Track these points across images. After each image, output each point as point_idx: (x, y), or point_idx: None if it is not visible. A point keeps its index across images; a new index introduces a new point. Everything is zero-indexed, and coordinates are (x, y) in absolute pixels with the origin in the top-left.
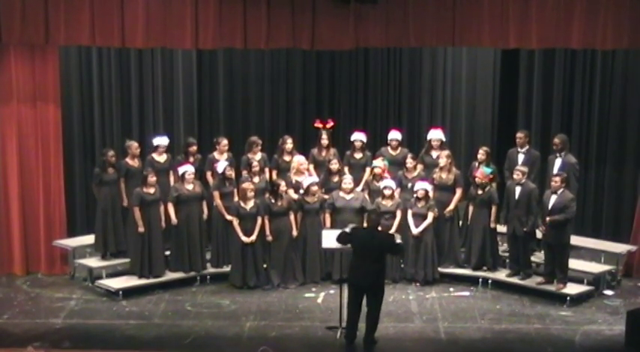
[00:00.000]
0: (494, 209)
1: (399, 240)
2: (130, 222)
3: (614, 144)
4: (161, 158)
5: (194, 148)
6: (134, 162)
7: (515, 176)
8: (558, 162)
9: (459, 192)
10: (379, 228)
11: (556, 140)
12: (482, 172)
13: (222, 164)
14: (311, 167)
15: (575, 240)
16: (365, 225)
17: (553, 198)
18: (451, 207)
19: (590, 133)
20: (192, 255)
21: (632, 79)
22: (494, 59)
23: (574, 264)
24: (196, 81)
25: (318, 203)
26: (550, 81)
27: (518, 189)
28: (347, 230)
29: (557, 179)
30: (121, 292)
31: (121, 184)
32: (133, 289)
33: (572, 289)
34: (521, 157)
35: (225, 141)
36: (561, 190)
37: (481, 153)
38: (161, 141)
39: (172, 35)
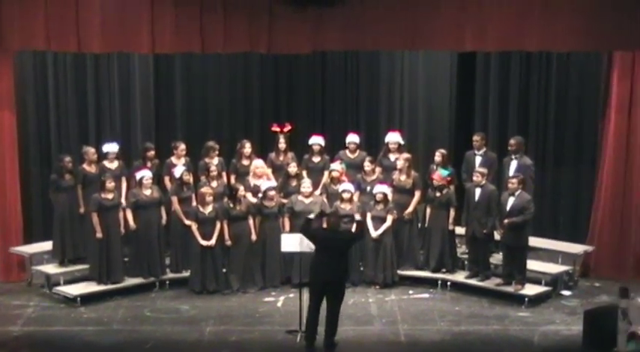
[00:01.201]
0: (452, 211)
1: (357, 217)
2: (88, 228)
3: (570, 146)
4: (112, 165)
5: (152, 153)
6: (91, 168)
7: (475, 178)
8: (514, 164)
9: (417, 194)
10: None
11: (512, 142)
12: (439, 174)
13: (179, 169)
14: (269, 171)
15: (533, 241)
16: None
17: (511, 200)
18: (410, 209)
19: (546, 135)
20: (151, 261)
21: (587, 81)
22: (451, 62)
23: (532, 264)
24: (153, 85)
25: (276, 207)
26: (506, 83)
27: (478, 191)
28: (310, 216)
29: (514, 181)
30: (79, 298)
31: (78, 190)
32: (91, 295)
33: (531, 290)
34: (478, 159)
35: (182, 146)
36: (518, 192)
37: (438, 156)
38: (110, 147)
39: (129, 40)
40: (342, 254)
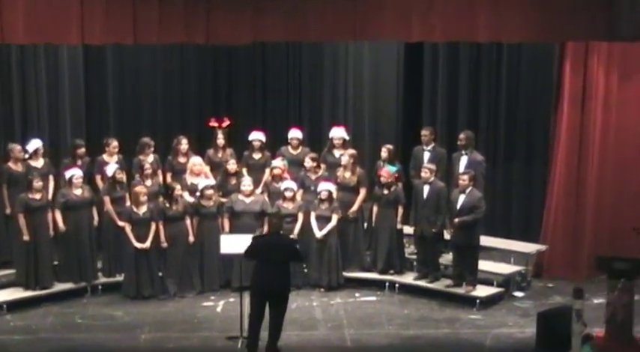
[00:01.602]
0: (400, 209)
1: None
2: (14, 231)
3: (522, 141)
4: (39, 163)
5: (82, 150)
6: (17, 167)
7: (423, 174)
8: (464, 159)
9: (362, 192)
10: (281, 232)
11: (461, 136)
12: (387, 171)
13: (112, 167)
14: (207, 169)
15: (485, 241)
16: (266, 229)
17: (461, 198)
18: (355, 207)
19: (497, 129)
20: (82, 265)
21: (539, 73)
22: (398, 54)
23: (483, 265)
24: (83, 79)
25: (215, 207)
26: (455, 76)
27: (426, 188)
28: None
29: (465, 177)
30: (5, 305)
31: (3, 190)
32: (18, 302)
33: (482, 291)
34: (426, 155)
35: (115, 143)
36: (469, 189)
37: (384, 151)
38: (36, 144)
39: (57, 30)
40: (283, 265)
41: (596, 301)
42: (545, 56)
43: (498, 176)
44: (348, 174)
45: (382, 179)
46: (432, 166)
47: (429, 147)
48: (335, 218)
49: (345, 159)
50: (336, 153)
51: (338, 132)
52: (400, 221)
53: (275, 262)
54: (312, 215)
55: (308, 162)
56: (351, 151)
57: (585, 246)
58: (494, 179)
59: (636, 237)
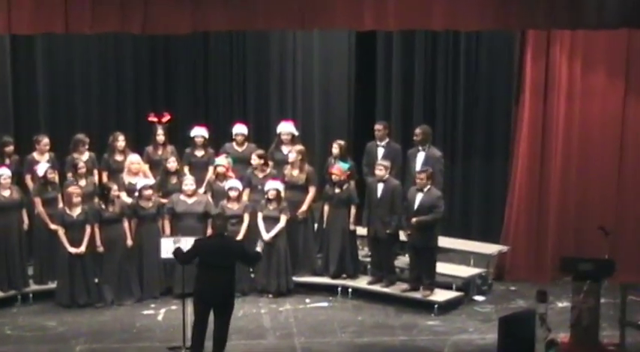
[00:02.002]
0: (353, 209)
1: (259, 249)
2: None
3: (481, 136)
4: None
5: (10, 148)
6: None
7: (377, 171)
8: (421, 156)
9: (312, 191)
10: (225, 234)
11: (417, 131)
12: (339, 168)
13: (43, 166)
14: (146, 167)
15: (443, 242)
16: (209, 232)
17: (419, 197)
18: (304, 207)
19: (455, 124)
20: (11, 271)
21: (498, 62)
22: (349, 43)
23: (442, 267)
24: (11, 71)
25: (155, 208)
26: (410, 67)
27: (380, 187)
28: (179, 245)
29: (423, 176)
30: None
31: None
32: None
33: (440, 296)
34: (380, 151)
35: (46, 140)
36: (427, 187)
37: (335, 147)
38: None
39: None
40: (229, 270)
41: (560, 304)
42: (505, 45)
43: (457, 173)
44: (296, 172)
45: (333, 177)
46: (387, 163)
47: (383, 143)
48: (283, 219)
49: (292, 156)
50: (284, 149)
51: (286, 128)
52: (353, 221)
53: (219, 266)
54: (259, 216)
55: (254, 160)
56: (299, 147)
57: (549, 246)
58: (453, 176)
59: (602, 237)
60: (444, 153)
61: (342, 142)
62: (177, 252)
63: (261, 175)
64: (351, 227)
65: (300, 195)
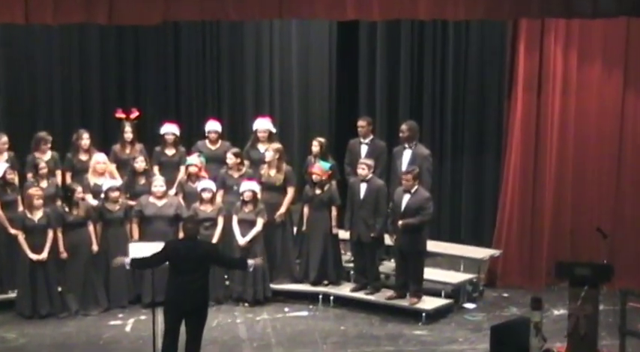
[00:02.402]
0: (335, 211)
1: (251, 267)
2: None
3: (471, 132)
4: None
5: None
6: None
7: (360, 171)
8: (407, 154)
9: (290, 191)
10: (198, 239)
11: (403, 127)
12: (319, 167)
13: (1, 166)
14: (113, 167)
15: (431, 246)
16: (181, 236)
17: (406, 198)
18: (282, 210)
19: (443, 120)
20: None
21: (490, 55)
22: (330, 34)
23: (430, 273)
24: None
25: (122, 211)
26: (396, 59)
27: (363, 187)
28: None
29: (409, 176)
30: None
31: None
32: None
33: (429, 303)
34: (364, 149)
35: (4, 139)
36: (415, 188)
37: (315, 145)
38: None
39: None
40: (202, 275)
41: (556, 312)
42: (496, 36)
43: (446, 172)
44: (273, 172)
45: (314, 177)
46: (370, 162)
47: (367, 140)
48: (260, 222)
49: (269, 155)
50: (261, 147)
51: (263, 124)
52: (335, 224)
53: (192, 271)
54: (234, 219)
55: (229, 159)
56: (277, 146)
57: (544, 250)
58: (441, 175)
59: (600, 239)
60: (431, 151)
61: (322, 140)
62: (136, 262)
63: (236, 175)
64: (333, 230)
65: (277, 197)
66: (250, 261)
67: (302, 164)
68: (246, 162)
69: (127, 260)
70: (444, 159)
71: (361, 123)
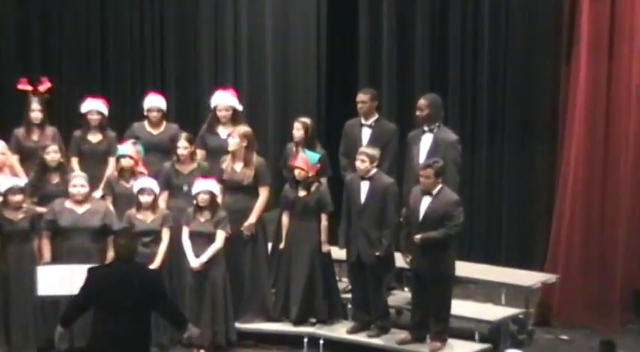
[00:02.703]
0: (325, 220)
1: (193, 330)
2: None
3: (515, 112)
4: None
5: None
6: None
7: (359, 164)
8: (427, 140)
9: (263, 193)
10: (135, 260)
11: (422, 103)
12: (304, 159)
13: None
14: (14, 159)
15: (460, 269)
16: (110, 255)
17: (425, 202)
18: (252, 219)
19: (476, 94)
20: None
21: (540, 7)
22: None
23: (459, 307)
24: None
25: (27, 221)
26: (411, 10)
27: (365, 186)
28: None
29: (430, 171)
30: None
31: None
32: None
33: (458, 349)
34: (366, 133)
35: None
36: (438, 188)
37: (298, 129)
38: None
39: None
40: (139, 314)
41: None
42: None
43: (480, 166)
44: (239, 166)
45: (296, 173)
46: (374, 151)
47: (370, 121)
48: (221, 236)
49: (234, 143)
50: (222, 132)
51: (224, 100)
52: (325, 239)
53: (124, 308)
54: (185, 232)
55: (181, 148)
56: (244, 129)
57: (617, 275)
58: (474, 171)
59: None
60: (460, 136)
61: (307, 121)
62: (64, 319)
63: (186, 171)
64: (323, 247)
65: (245, 201)
66: (192, 329)
67: (279, 155)
68: (201, 152)
69: (59, 328)
70: (478, 148)
71: (362, 97)
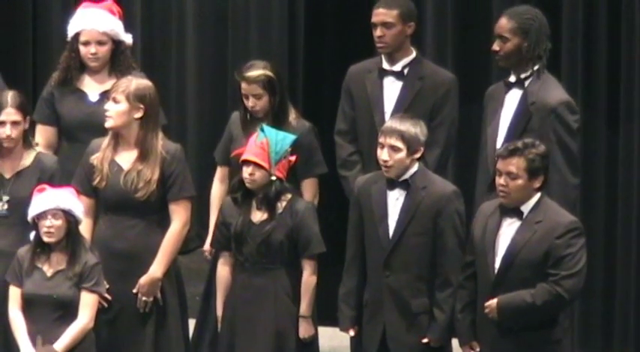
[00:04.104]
0: (310, 272)
1: None
2: None
3: None
4: None
5: None
6: None
7: (382, 154)
8: (513, 99)
9: (178, 218)
10: None
11: (504, 24)
12: (262, 146)
13: None
14: None
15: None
16: None
17: (511, 228)
18: (155, 270)
19: (599, 36)
20: None
21: None
22: None
23: None
24: None
25: None
26: None
27: (395, 200)
28: None
29: (519, 162)
30: None
31: None
32: None
33: None
34: (393, 88)
35: None
36: (536, 197)
37: (251, 84)
38: None
39: None
40: None
41: None
42: None
43: (615, 150)
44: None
45: (246, 173)
46: (415, 127)
47: (400, 65)
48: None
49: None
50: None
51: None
52: (307, 311)
53: None
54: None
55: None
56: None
57: None
58: (591, 171)
59: None
60: (580, 103)
61: (270, 73)
62: None
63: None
64: (302, 328)
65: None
66: None
67: (214, 136)
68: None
69: None
70: (605, 127)
71: (382, 15)
